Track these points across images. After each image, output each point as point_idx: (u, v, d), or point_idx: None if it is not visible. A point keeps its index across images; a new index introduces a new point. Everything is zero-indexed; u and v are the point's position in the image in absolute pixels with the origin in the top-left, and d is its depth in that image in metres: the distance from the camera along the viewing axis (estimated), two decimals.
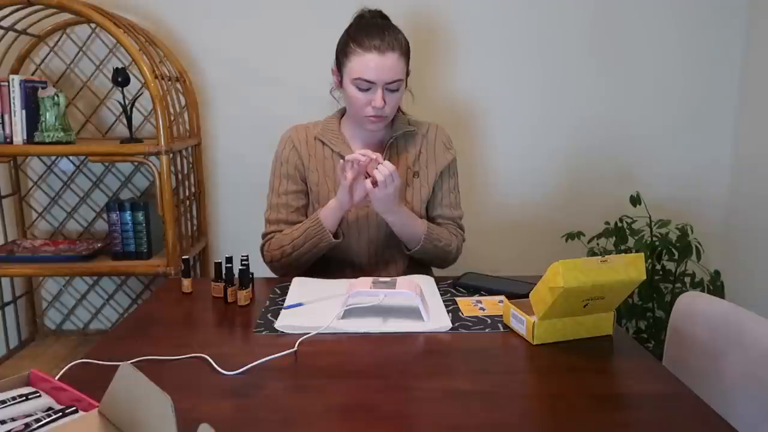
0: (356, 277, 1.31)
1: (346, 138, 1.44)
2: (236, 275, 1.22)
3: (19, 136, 1.73)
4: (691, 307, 1.17)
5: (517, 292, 1.21)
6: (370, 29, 1.32)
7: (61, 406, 0.72)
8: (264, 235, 1.47)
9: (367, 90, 1.32)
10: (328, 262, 1.45)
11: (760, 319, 1.03)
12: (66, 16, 1.90)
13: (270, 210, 1.47)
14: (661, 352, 1.31)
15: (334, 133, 1.44)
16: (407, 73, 1.39)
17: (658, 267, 1.88)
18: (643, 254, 1.02)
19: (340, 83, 1.39)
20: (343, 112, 1.49)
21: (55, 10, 1.73)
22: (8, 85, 1.71)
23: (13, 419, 0.69)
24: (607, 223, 1.95)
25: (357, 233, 1.42)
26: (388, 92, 1.33)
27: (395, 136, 1.44)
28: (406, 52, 1.35)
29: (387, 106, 1.34)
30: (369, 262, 1.46)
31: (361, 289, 1.11)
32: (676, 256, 1.84)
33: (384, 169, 1.26)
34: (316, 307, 1.17)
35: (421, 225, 1.40)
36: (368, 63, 1.29)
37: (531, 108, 2.06)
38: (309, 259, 1.40)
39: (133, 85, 1.90)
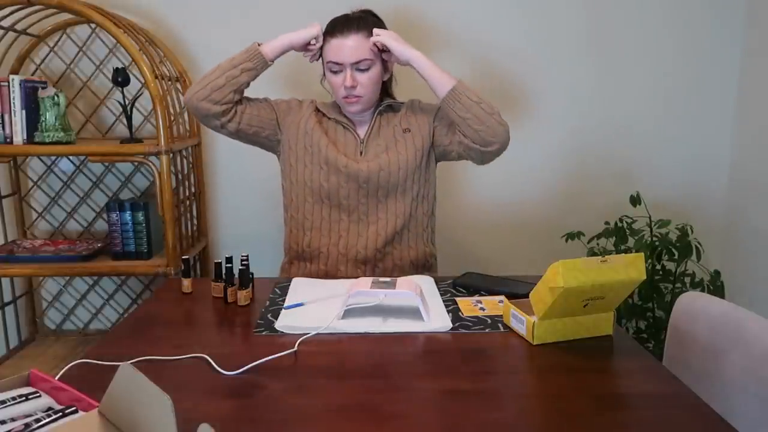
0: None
1: (342, 112, 1.53)
2: (236, 275, 1.22)
3: (19, 136, 1.73)
4: (691, 306, 1.17)
5: (517, 292, 1.22)
6: (339, 18, 1.45)
7: (61, 406, 0.72)
8: None
9: (339, 72, 1.42)
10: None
11: (760, 319, 1.03)
12: (66, 16, 1.90)
13: None
14: (661, 352, 1.31)
15: (333, 107, 1.54)
16: (387, 58, 1.46)
17: (658, 267, 1.88)
18: (643, 254, 1.02)
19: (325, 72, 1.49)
20: None
21: (55, 10, 1.73)
22: (8, 85, 1.71)
23: (13, 419, 0.69)
24: (607, 223, 1.95)
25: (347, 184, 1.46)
26: (359, 72, 1.42)
27: (384, 105, 1.52)
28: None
29: (360, 87, 1.42)
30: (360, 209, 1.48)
31: (361, 289, 1.11)
32: (676, 256, 1.84)
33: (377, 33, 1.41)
34: (316, 307, 1.17)
35: (451, 76, 1.41)
36: (334, 46, 1.41)
37: (531, 107, 2.06)
38: (229, 73, 1.42)
39: (133, 85, 1.90)
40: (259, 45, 1.44)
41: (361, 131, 1.51)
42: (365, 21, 1.43)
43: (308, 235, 1.50)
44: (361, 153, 1.49)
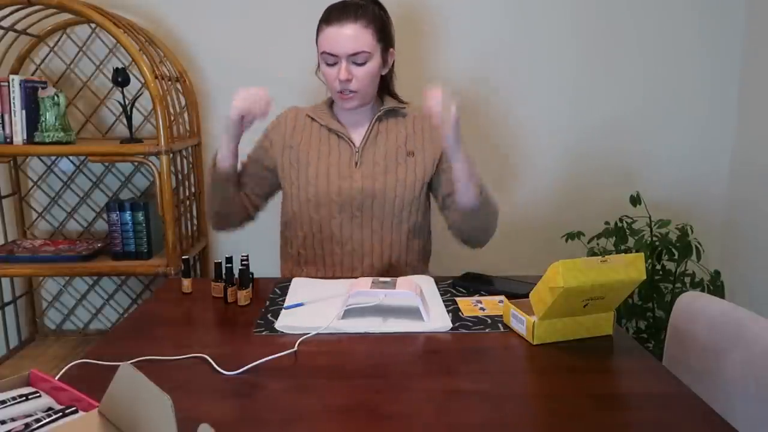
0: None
1: (335, 114, 1.46)
2: (236, 275, 1.22)
3: (19, 136, 1.73)
4: (691, 306, 1.17)
5: (517, 292, 1.21)
6: (336, 6, 1.35)
7: (61, 406, 0.72)
8: None
9: (334, 64, 1.33)
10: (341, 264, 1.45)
11: (760, 319, 1.03)
12: (66, 16, 1.90)
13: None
14: (661, 352, 1.31)
15: (324, 111, 1.46)
16: (386, 50, 1.39)
17: (658, 267, 1.88)
18: (643, 254, 1.02)
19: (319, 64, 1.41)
20: None
21: (55, 10, 1.73)
22: (8, 85, 1.71)
23: (13, 419, 0.69)
24: (607, 223, 1.95)
25: (366, 230, 1.41)
26: (355, 65, 1.33)
27: (383, 110, 1.43)
28: (375, 25, 1.33)
29: (356, 81, 1.34)
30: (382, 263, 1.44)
31: (361, 289, 1.11)
32: (676, 256, 1.84)
33: (435, 97, 1.21)
34: (316, 307, 1.17)
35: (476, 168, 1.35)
36: (329, 35, 1.31)
37: (531, 108, 2.06)
38: (217, 196, 1.41)
39: (133, 85, 1.91)
40: (215, 157, 1.39)
41: (357, 138, 1.43)
42: (365, 9, 1.33)
43: (304, 270, 1.46)
44: (356, 164, 1.40)
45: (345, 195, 1.38)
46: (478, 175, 1.35)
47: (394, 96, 1.50)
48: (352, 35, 1.30)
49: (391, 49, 1.42)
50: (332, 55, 1.32)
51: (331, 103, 1.48)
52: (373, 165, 1.40)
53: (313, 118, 1.45)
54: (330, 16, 1.33)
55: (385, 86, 1.48)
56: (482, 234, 1.42)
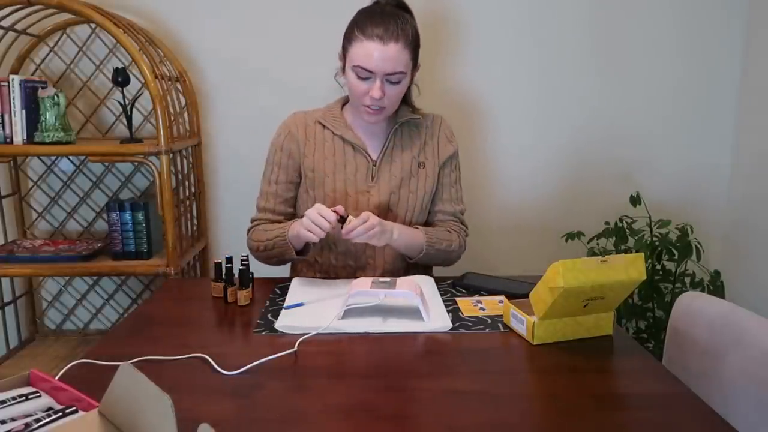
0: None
1: (348, 122, 1.42)
2: (236, 275, 1.22)
3: (19, 136, 1.73)
4: (691, 307, 1.17)
5: (517, 292, 1.22)
6: (375, 16, 1.28)
7: (61, 406, 0.72)
8: (252, 220, 1.48)
9: (366, 79, 1.28)
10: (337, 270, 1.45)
11: (760, 319, 1.03)
12: (66, 16, 1.90)
13: (260, 196, 1.47)
14: (661, 352, 1.31)
15: (336, 118, 1.41)
16: (415, 67, 1.36)
17: (658, 267, 1.88)
18: (643, 254, 1.02)
19: (344, 69, 1.35)
20: (345, 100, 1.46)
21: (55, 10, 1.73)
22: (8, 85, 1.71)
23: (13, 419, 0.69)
24: (607, 223, 1.95)
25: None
26: (389, 84, 1.28)
27: (400, 122, 1.41)
28: (412, 44, 1.30)
29: (386, 99, 1.30)
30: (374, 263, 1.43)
31: (361, 289, 1.11)
32: (676, 256, 1.84)
33: (354, 226, 1.23)
34: (316, 307, 1.17)
35: (421, 234, 1.37)
36: (369, 51, 1.24)
37: (531, 107, 2.06)
38: (279, 262, 1.41)
39: (133, 85, 1.90)
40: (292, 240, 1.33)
41: (374, 151, 1.41)
42: (404, 26, 1.27)
43: (317, 276, 1.45)
44: (372, 179, 1.39)
45: (361, 210, 1.35)
46: (421, 244, 1.37)
47: (408, 104, 1.47)
48: (393, 56, 1.25)
49: (418, 64, 1.38)
50: (368, 70, 1.26)
51: (342, 107, 1.45)
52: (389, 179, 1.40)
53: (324, 126, 1.41)
54: (369, 28, 1.25)
55: (403, 100, 1.43)
56: (436, 265, 1.49)
